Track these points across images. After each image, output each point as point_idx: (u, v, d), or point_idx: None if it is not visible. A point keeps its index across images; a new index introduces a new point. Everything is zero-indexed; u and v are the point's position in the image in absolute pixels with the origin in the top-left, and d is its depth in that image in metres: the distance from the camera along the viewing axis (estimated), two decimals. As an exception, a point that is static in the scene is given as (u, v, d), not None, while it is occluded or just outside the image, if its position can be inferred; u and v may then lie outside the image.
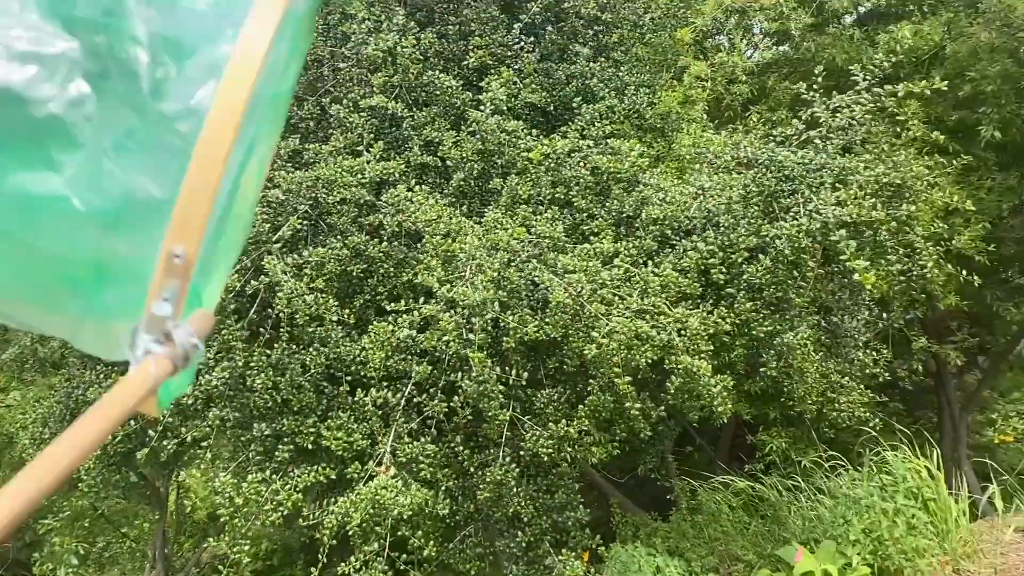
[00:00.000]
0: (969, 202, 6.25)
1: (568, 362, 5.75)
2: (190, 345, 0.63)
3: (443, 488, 5.65)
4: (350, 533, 5.40)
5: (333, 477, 5.72)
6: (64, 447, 0.54)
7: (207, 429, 5.75)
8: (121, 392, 0.58)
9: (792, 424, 8.63)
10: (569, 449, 5.74)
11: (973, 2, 8.57)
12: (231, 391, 5.71)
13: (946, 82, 5.43)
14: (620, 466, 9.11)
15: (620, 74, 7.19)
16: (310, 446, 5.76)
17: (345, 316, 5.73)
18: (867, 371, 6.65)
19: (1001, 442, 9.02)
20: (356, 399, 5.66)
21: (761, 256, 5.54)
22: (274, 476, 5.66)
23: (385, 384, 5.74)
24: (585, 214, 6.46)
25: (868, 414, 6.76)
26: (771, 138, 6.02)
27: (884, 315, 7.20)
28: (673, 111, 7.76)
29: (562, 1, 7.08)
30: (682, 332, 5.50)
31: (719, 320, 5.68)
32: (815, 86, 5.68)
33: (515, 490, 5.62)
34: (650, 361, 5.49)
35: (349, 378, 5.81)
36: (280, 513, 5.54)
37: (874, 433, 7.04)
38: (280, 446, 5.76)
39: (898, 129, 7.38)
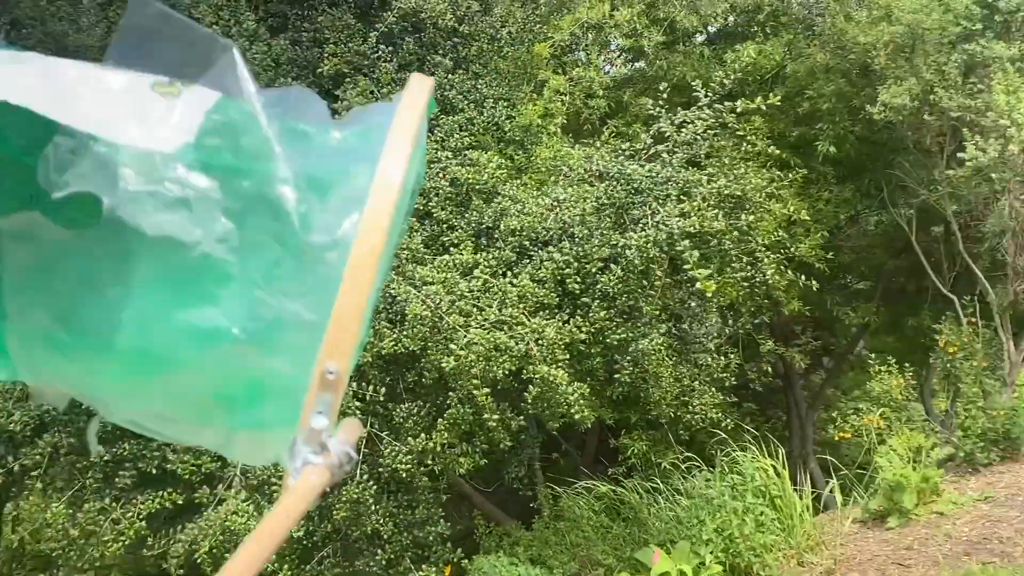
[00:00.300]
0: (805, 213, 6.63)
1: (427, 375, 5.70)
2: (344, 454, 0.68)
3: (298, 509, 5.47)
4: (199, 561, 5.15)
5: (180, 503, 5.44)
6: (243, 561, 0.59)
7: (38, 457, 5.35)
8: (289, 504, 0.63)
9: (652, 427, 8.88)
10: (430, 462, 5.70)
11: (810, 25, 9.14)
12: (66, 415, 5.34)
13: (779, 98, 5.74)
14: (489, 476, 9.13)
15: (479, 86, 7.22)
16: (154, 471, 5.46)
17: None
18: (716, 375, 6.92)
19: (841, 438, 9.62)
20: (204, 420, 5.40)
21: (613, 266, 5.68)
22: (114, 504, 5.33)
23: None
24: (445, 225, 6.45)
25: (721, 415, 7.06)
26: (621, 152, 6.19)
27: (731, 321, 7.54)
28: (534, 124, 7.88)
29: (419, 12, 7.05)
30: (539, 342, 5.56)
31: (575, 329, 5.78)
32: (661, 101, 5.89)
33: (373, 508, 5.52)
34: (508, 371, 5.53)
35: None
36: (121, 543, 5.23)
37: (724, 435, 7.33)
38: (121, 472, 5.43)
39: (745, 144, 7.76)
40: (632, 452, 8.75)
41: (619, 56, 10.32)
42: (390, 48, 7.27)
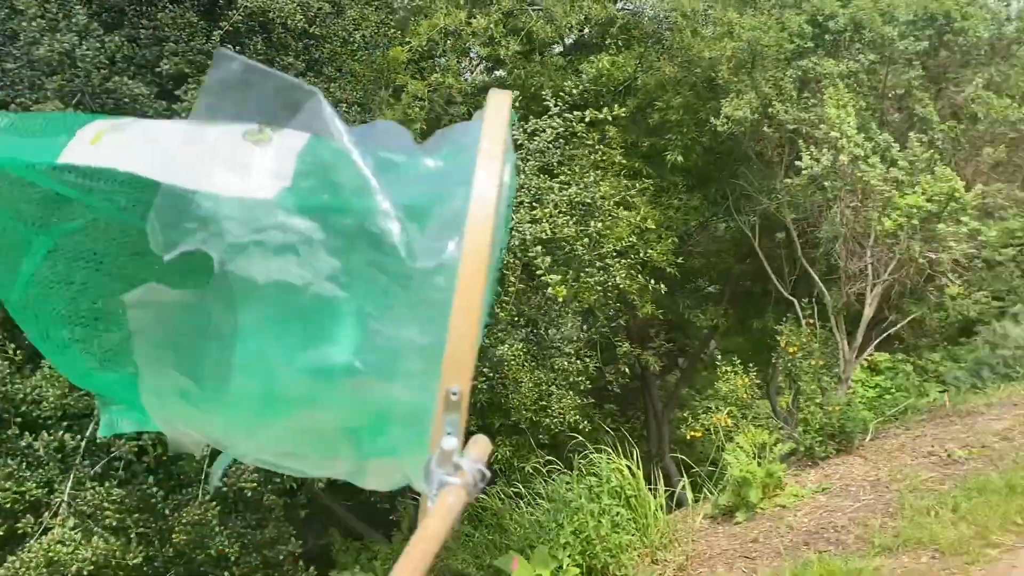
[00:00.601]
0: (651, 221, 6.83)
1: (275, 388, 5.49)
2: (477, 472, 0.69)
3: (134, 534, 5.14)
4: (20, 597, 4.74)
5: (1, 534, 5.00)
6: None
7: None
8: (431, 527, 0.64)
9: (516, 432, 8.94)
10: (280, 479, 5.49)
11: (660, 39, 9.47)
12: None
13: (624, 110, 5.89)
14: (356, 488, 8.92)
15: (332, 90, 7.05)
16: (-30, 501, 4.99)
17: (11, 351, 5.06)
18: (573, 379, 7.02)
19: (693, 437, 9.98)
20: (27, 443, 4.99)
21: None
22: (-78, 540, 4.84)
23: (65, 424, 5.13)
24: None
25: (579, 418, 7.16)
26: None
27: (589, 325, 7.67)
28: (392, 129, 7.76)
29: (267, 11, 6.80)
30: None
31: (430, 337, 5.72)
32: (513, 109, 5.92)
33: (217, 529, 5.25)
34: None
35: (19, 419, 5.11)
36: (-71, 583, 4.74)
37: (582, 438, 7.45)
38: (-69, 505, 4.93)
39: (598, 153, 7.93)
40: (495, 458, 8.76)
41: (479, 64, 10.35)
42: (237, 48, 6.98)
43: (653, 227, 7.23)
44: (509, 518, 7.69)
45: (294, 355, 0.74)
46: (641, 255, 7.76)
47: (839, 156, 7.11)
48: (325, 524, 8.80)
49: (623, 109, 5.97)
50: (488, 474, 0.71)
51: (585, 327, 7.19)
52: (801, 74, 7.47)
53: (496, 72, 10.30)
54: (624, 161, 6.84)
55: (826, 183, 7.37)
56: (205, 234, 0.71)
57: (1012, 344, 9.35)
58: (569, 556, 6.45)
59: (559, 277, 5.23)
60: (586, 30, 9.99)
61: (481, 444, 0.72)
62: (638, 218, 6.99)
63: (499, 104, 0.73)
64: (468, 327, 0.66)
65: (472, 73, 10.35)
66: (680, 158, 8.46)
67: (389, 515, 8.12)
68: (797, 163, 7.49)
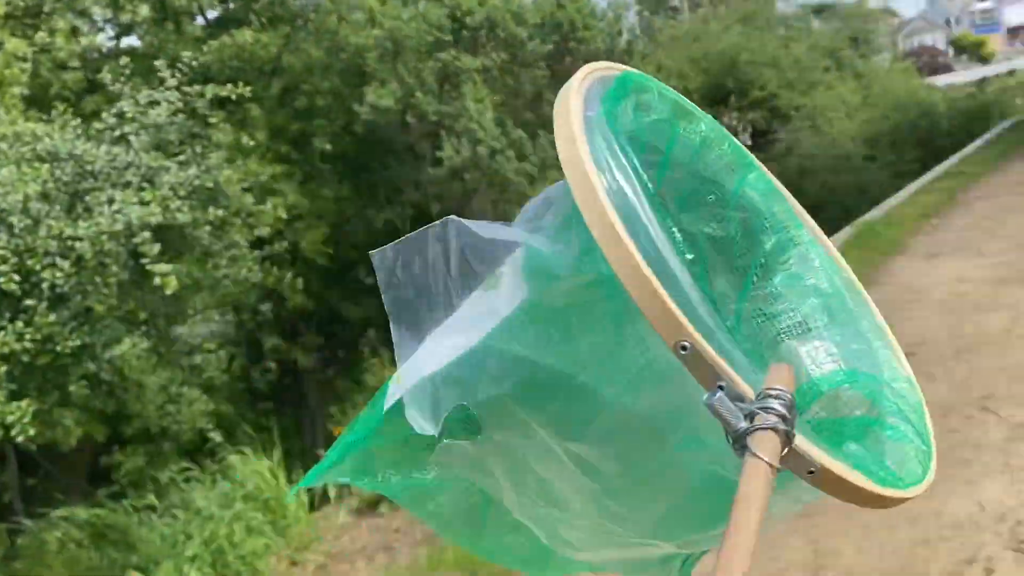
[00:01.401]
0: (281, 208, 6.52)
1: None
2: (777, 403, 0.59)
3: None
4: None
5: None
6: (737, 555, 0.55)
7: None
8: (745, 491, 0.58)
9: (152, 440, 8.16)
10: None
11: (307, 20, 9.14)
12: None
13: (250, 89, 5.51)
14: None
15: None
16: None
17: None
18: (206, 377, 6.51)
19: (337, 432, 9.84)
20: None
21: (61, 261, 4.91)
22: None
23: None
24: None
25: (208, 423, 6.66)
26: (78, 131, 5.42)
27: (233, 318, 7.16)
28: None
29: None
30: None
31: (16, 337, 4.89)
32: (123, 78, 5.28)
33: None
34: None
35: None
36: None
37: (222, 440, 6.96)
38: None
39: (233, 136, 7.40)
40: (126, 469, 7.95)
41: (102, 27, 9.25)
42: None
43: (283, 216, 6.89)
44: (135, 535, 6.98)
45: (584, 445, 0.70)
46: (285, 246, 7.41)
47: (478, 148, 7.35)
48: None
49: (248, 88, 5.57)
50: (790, 397, 0.60)
51: (223, 320, 6.69)
52: (442, 67, 7.61)
53: (126, 39, 9.27)
54: (251, 142, 6.41)
55: (466, 175, 7.59)
56: (458, 390, 0.71)
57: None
58: (198, 569, 5.95)
59: (168, 267, 4.72)
60: (230, 3, 9.35)
61: (778, 372, 0.62)
62: (276, 207, 6.60)
63: (562, 94, 0.67)
64: (636, 278, 0.59)
65: (96, 36, 9.21)
66: (328, 146, 8.22)
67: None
68: (440, 154, 7.62)
